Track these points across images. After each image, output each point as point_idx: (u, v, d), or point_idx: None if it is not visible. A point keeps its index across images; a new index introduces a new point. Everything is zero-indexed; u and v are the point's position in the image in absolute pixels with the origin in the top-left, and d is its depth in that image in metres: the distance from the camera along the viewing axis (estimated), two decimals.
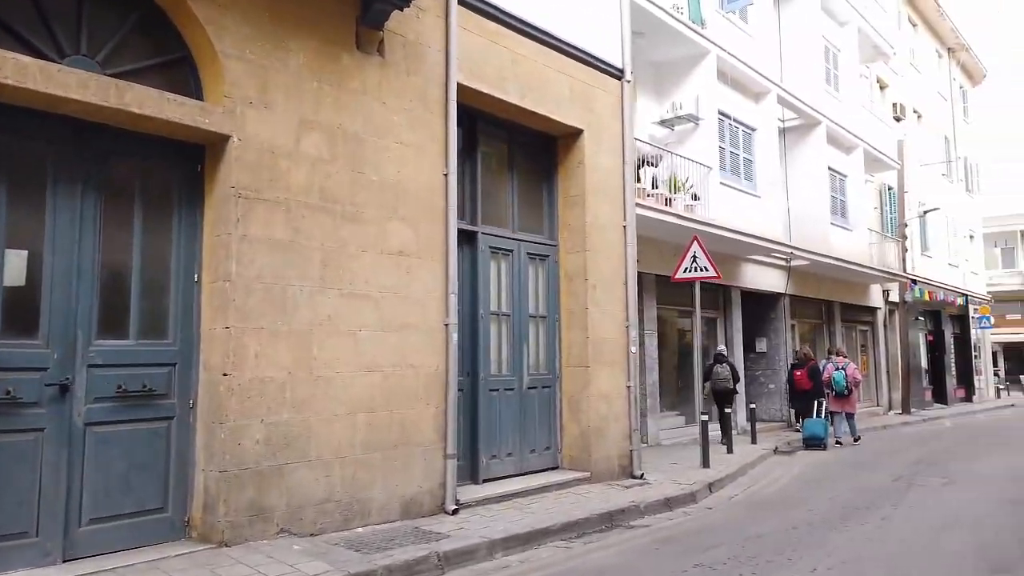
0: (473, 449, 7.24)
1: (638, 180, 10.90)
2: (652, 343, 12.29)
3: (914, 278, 22.77)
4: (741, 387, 13.50)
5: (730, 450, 11.14)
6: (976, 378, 28.51)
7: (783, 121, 16.43)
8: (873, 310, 20.81)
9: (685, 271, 10.12)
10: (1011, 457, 11.39)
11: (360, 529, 5.68)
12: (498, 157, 8.05)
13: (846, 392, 13.22)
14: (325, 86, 5.76)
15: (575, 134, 8.32)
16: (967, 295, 27.64)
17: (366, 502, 5.77)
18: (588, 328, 8.11)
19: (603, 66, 8.53)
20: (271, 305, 5.28)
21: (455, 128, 6.67)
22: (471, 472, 7.22)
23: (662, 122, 12.66)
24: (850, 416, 13.57)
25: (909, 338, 22.32)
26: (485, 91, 7.11)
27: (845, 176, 17.87)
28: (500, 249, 7.78)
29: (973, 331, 28.25)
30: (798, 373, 13.64)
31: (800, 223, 16.32)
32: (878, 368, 20.97)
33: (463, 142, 7.43)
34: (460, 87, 6.78)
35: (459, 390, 6.80)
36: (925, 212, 21.36)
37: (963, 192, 28.69)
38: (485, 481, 7.25)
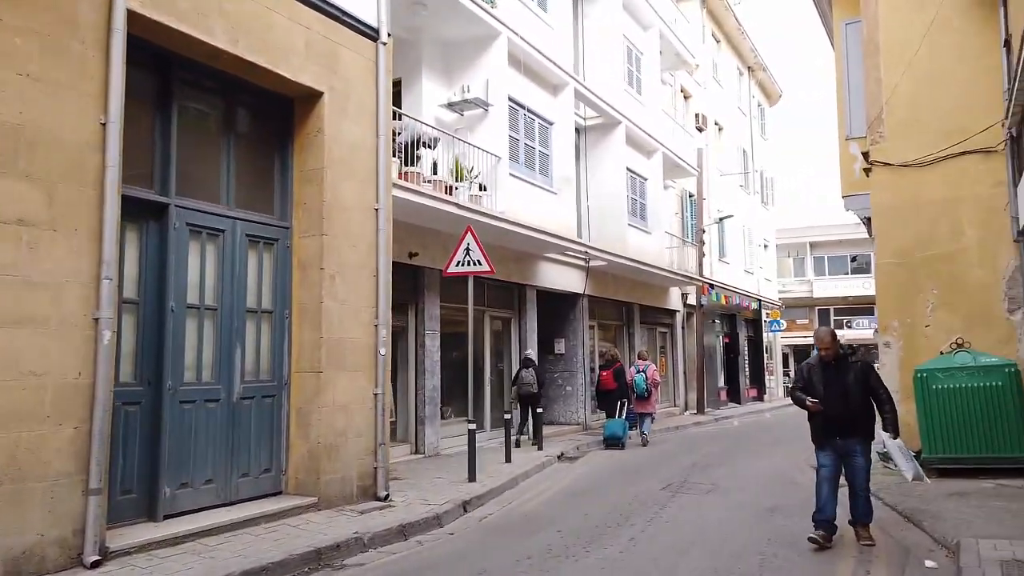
0: (152, 478, 5.75)
1: (411, 162, 9.84)
2: (435, 344, 11.28)
3: (712, 282, 23.73)
4: (546, 392, 13.46)
5: (508, 459, 10.36)
6: (768, 378, 30.56)
7: (584, 119, 16.16)
8: (672, 312, 21.33)
9: (458, 265, 9.18)
10: (780, 459, 11.56)
11: None
12: (209, 116, 6.61)
13: (646, 394, 13.50)
14: None
15: (313, 97, 7.06)
16: (760, 300, 29.50)
17: None
18: (323, 326, 6.88)
19: (351, 21, 7.34)
20: None
21: (121, 66, 5.18)
22: (148, 508, 5.73)
23: (449, 105, 11.71)
24: (647, 416, 13.75)
25: (706, 340, 23.20)
26: (177, 27, 5.67)
27: (645, 179, 18.00)
28: (205, 228, 6.34)
29: (765, 334, 30.22)
30: (603, 374, 13.77)
31: (599, 223, 16.11)
32: (676, 369, 21.53)
33: (153, 92, 5.94)
34: (134, 15, 5.31)
35: (126, 404, 5.32)
36: (721, 219, 22.30)
37: (759, 204, 30.65)
38: (168, 517, 5.78)
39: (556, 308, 15.71)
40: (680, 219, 22.36)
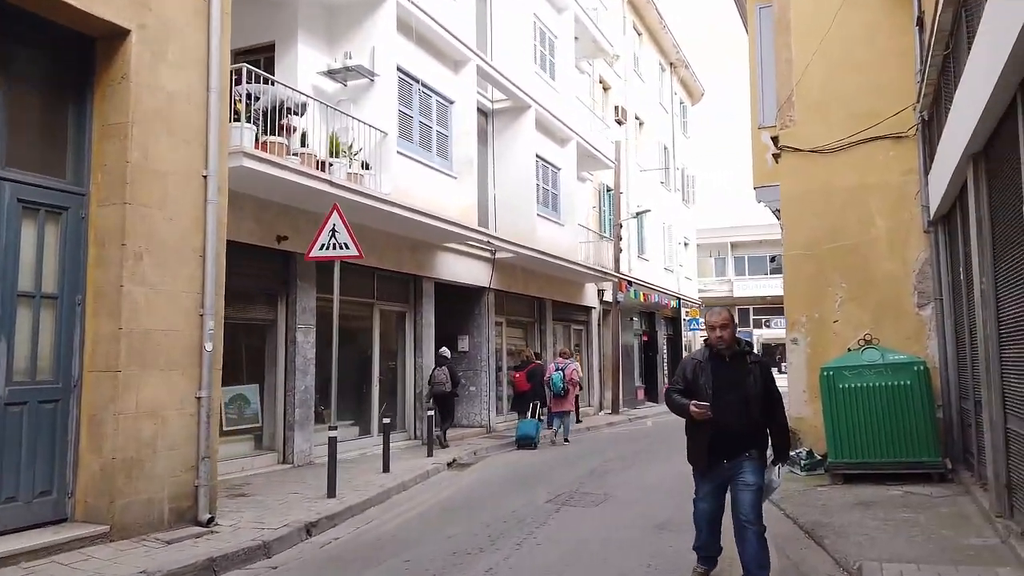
0: None
1: (275, 131, 8.60)
2: (308, 340, 10.04)
3: (630, 279, 23.16)
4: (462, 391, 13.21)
5: (386, 468, 9.24)
6: None
7: (492, 101, 15.16)
8: (588, 309, 20.59)
9: (322, 248, 8.00)
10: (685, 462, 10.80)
11: None
12: None
13: (563, 392, 13.20)
14: None
15: (118, 37, 5.79)
16: (680, 298, 29.22)
17: None
18: (123, 315, 5.61)
19: None
20: None
21: None
22: None
23: (329, 73, 10.48)
24: (563, 415, 13.46)
25: (623, 338, 22.60)
26: None
27: (559, 169, 17.15)
28: None
29: (684, 333, 29.97)
30: (517, 375, 13.53)
31: (506, 212, 15.15)
32: (591, 368, 20.79)
33: None
34: None
35: None
36: (638, 213, 21.71)
37: (680, 201, 30.38)
38: None
39: (459, 303, 14.67)
40: (598, 213, 21.66)
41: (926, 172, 8.86)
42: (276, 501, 7.33)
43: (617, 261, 20.31)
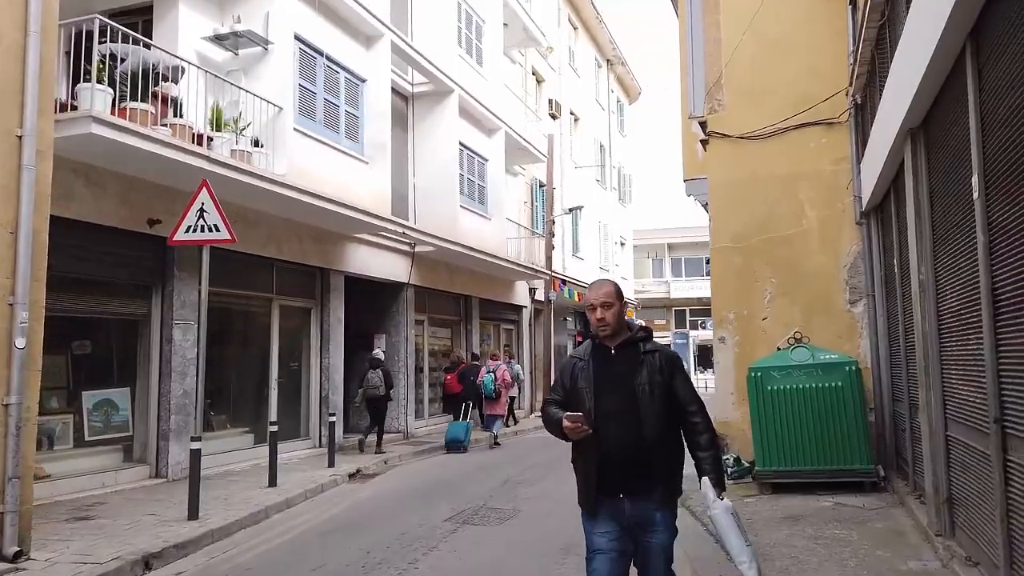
0: None
1: (142, 98, 7.47)
2: (187, 338, 8.89)
3: (564, 278, 22.49)
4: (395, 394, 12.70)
5: (272, 482, 8.21)
6: None
7: (412, 84, 14.21)
8: (519, 308, 19.80)
9: (188, 231, 6.94)
10: None
11: None
12: None
13: (494, 395, 12.98)
14: None
15: None
16: None
17: None
18: None
19: None
20: None
21: None
22: None
23: (216, 38, 9.38)
24: (497, 418, 13.16)
25: (556, 339, 21.91)
26: None
27: (486, 160, 16.29)
28: None
29: None
30: (448, 377, 13.37)
31: (428, 203, 14.21)
32: (523, 369, 19.97)
33: None
34: None
35: None
36: (571, 209, 21.03)
37: (616, 200, 29.95)
38: None
39: (375, 299, 13.67)
40: (530, 208, 20.91)
41: (858, 160, 8.33)
42: (124, 526, 6.23)
43: (549, 259, 19.58)
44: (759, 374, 7.54)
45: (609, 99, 29.22)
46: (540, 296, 20.18)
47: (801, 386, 7.39)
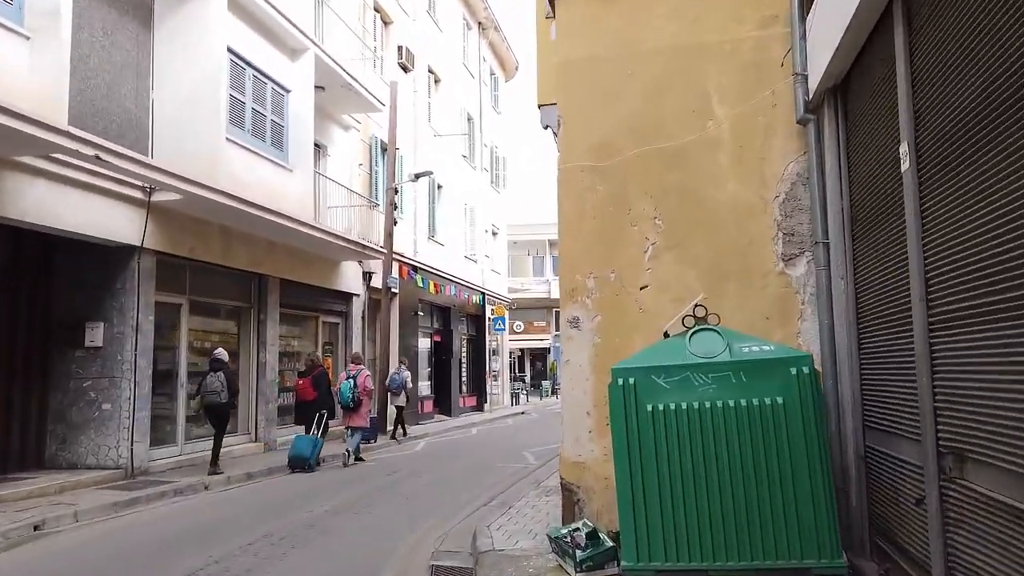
0: None
1: None
2: None
3: (416, 263, 18.55)
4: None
5: None
6: (493, 384, 26.19)
7: None
8: (347, 297, 15.61)
9: None
10: (414, 506, 6.29)
11: None
12: None
13: (352, 404, 11.17)
14: None
15: None
16: (485, 293, 25.06)
17: None
18: None
19: None
20: None
21: None
22: None
23: None
24: (356, 431, 11.34)
25: (407, 338, 17.93)
26: None
27: (287, 91, 12.08)
28: None
29: (489, 333, 25.88)
30: (301, 382, 11.66)
31: (179, 135, 9.87)
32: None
33: None
34: None
35: None
36: (418, 175, 17.05)
37: (488, 184, 26.32)
38: None
39: (88, 271, 9.21)
40: (369, 173, 16.82)
41: (802, 19, 4.91)
42: None
43: (390, 235, 15.53)
44: (632, 380, 3.91)
45: (481, 68, 25.58)
46: (377, 283, 16.10)
47: (708, 403, 3.81)
